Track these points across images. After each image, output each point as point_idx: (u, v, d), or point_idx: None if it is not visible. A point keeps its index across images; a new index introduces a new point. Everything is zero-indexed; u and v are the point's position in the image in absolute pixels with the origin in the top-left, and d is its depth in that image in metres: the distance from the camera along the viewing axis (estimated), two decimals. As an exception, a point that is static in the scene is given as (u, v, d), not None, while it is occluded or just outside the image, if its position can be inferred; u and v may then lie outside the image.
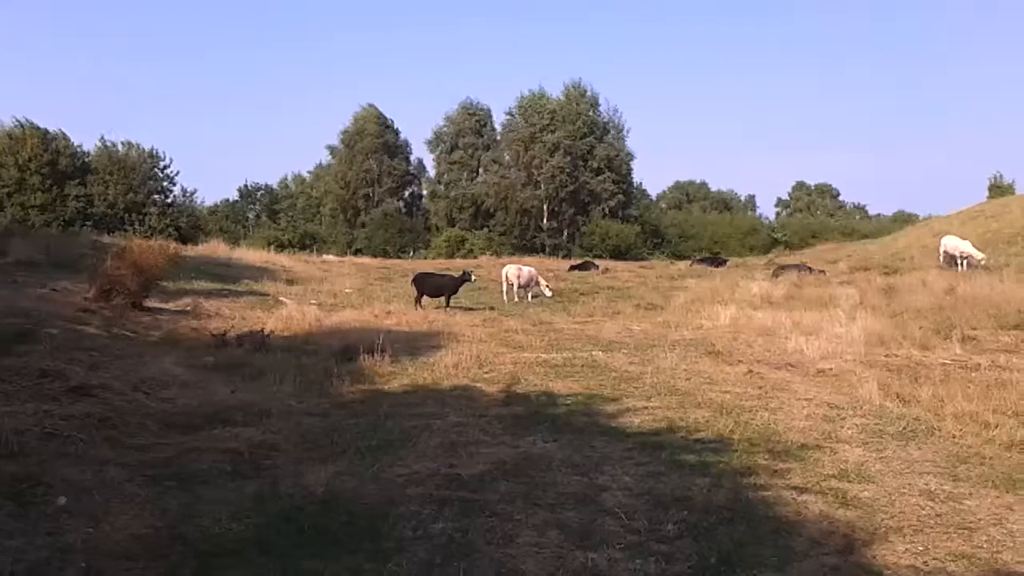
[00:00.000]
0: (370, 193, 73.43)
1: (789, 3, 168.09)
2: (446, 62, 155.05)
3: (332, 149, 76.82)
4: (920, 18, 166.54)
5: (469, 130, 74.24)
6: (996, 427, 8.13)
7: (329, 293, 24.22)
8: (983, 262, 25.01)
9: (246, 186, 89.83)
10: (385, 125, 74.87)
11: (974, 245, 26.12)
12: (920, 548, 5.19)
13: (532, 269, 25.47)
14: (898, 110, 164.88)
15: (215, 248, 33.69)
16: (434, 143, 75.51)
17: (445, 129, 74.97)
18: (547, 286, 25.21)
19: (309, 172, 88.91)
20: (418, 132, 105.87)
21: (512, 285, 23.89)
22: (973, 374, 11.03)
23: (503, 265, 27.84)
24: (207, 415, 8.50)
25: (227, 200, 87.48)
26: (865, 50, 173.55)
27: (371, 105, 75.28)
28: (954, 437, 7.95)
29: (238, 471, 6.70)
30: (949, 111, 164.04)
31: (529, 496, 6.12)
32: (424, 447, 7.45)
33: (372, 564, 4.84)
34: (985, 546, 5.26)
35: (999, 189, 48.57)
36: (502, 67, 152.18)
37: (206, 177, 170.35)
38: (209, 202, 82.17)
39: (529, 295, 24.22)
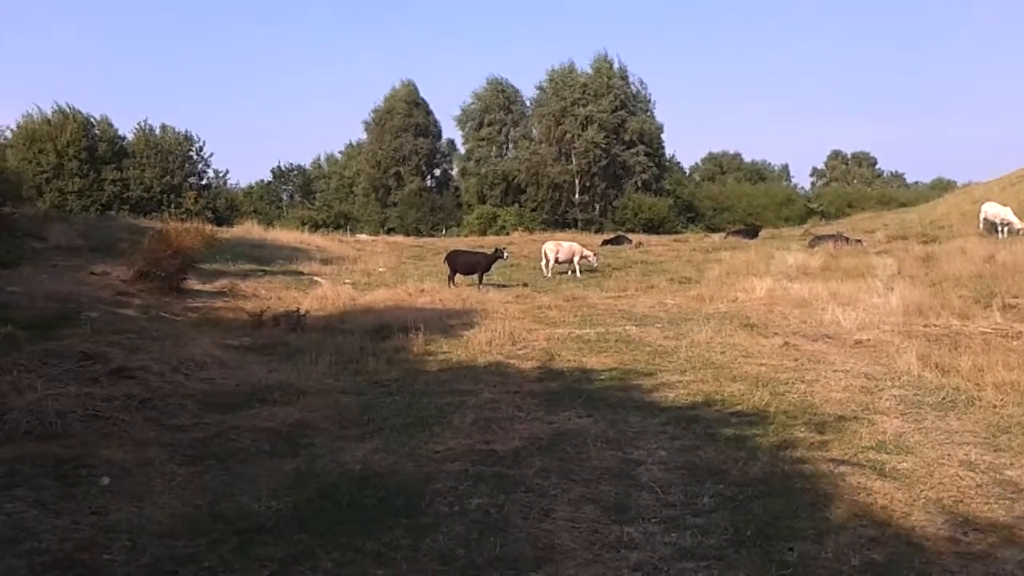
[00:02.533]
0: (400, 171, 73.51)
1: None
2: (474, 40, 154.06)
3: (367, 126, 76.88)
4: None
5: (497, 106, 73.82)
6: (1039, 396, 8.00)
7: (363, 272, 24.37)
8: (1019, 227, 24.44)
9: (279, 167, 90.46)
10: (415, 103, 74.74)
11: (1015, 212, 25.54)
12: (960, 519, 5.13)
13: (574, 244, 25.36)
14: (936, 75, 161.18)
15: (249, 229, 33.96)
16: (463, 120, 75.18)
17: (473, 106, 74.59)
18: (594, 255, 25.15)
19: (341, 152, 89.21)
20: (447, 111, 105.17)
21: (550, 261, 23.84)
22: (1014, 343, 10.85)
23: (540, 242, 27.72)
24: (245, 395, 8.65)
25: (261, 181, 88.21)
26: (900, 16, 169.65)
27: (408, 81, 75.14)
28: (995, 407, 7.82)
29: (276, 450, 6.80)
30: (989, 76, 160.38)
31: (564, 471, 6.14)
32: (459, 424, 7.51)
33: (409, 539, 4.90)
34: (1028, 516, 5.18)
35: (1042, 153, 47.49)
36: (528, 43, 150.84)
37: (240, 159, 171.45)
38: (243, 184, 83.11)
39: (577, 270, 24.07)
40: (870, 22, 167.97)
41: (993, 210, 26.01)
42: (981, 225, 26.16)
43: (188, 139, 61.41)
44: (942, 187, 74.63)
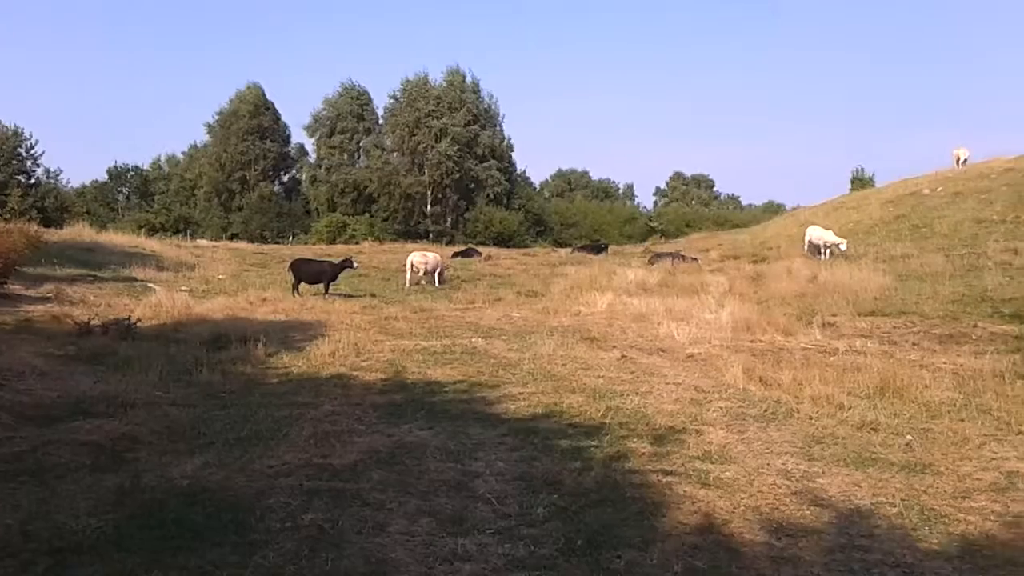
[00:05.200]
0: (246, 176, 71.32)
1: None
2: (325, 45, 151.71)
3: (210, 128, 74.03)
4: (789, 17, 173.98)
5: (350, 113, 72.98)
6: (849, 408, 8.62)
7: (201, 279, 23.48)
8: (843, 247, 26.24)
9: (115, 167, 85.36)
10: (264, 106, 72.77)
11: (836, 235, 27.44)
12: (775, 525, 5.44)
13: (436, 255, 25.44)
14: (772, 104, 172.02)
15: (80, 232, 31.97)
16: (313, 127, 73.90)
17: (325, 112, 73.45)
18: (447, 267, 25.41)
19: (183, 153, 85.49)
20: (297, 116, 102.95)
21: (417, 272, 23.73)
22: (831, 358, 11.63)
23: (391, 253, 27.54)
24: (67, 407, 8.15)
25: (96, 181, 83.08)
26: (741, 42, 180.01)
27: (254, 84, 73.16)
28: (811, 418, 8.36)
29: (98, 464, 6.44)
30: (818, 107, 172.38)
31: (402, 484, 6.10)
32: (296, 437, 7.33)
33: (237, 557, 4.73)
34: (835, 521, 5.56)
35: (860, 182, 51.37)
36: (380, 54, 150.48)
37: (76, 158, 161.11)
38: (77, 184, 78.35)
39: (436, 280, 24.12)
40: (712, 51, 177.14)
41: (817, 233, 27.83)
42: (806, 247, 27.93)
43: (17, 134, 57.34)
44: (773, 210, 79.40)
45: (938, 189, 32.23)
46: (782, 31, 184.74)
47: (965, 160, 38.68)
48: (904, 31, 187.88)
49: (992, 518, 5.67)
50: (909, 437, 7.68)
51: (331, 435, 7.41)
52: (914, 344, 13.05)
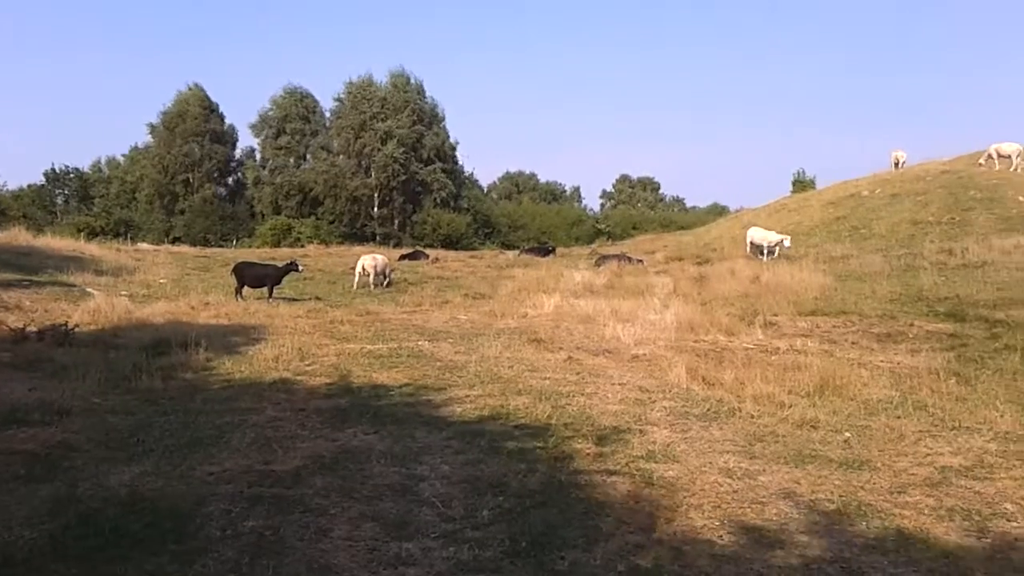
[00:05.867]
0: (190, 178, 70.11)
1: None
2: (270, 47, 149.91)
3: (153, 129, 72.50)
4: (730, 22, 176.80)
5: (296, 115, 72.19)
6: (790, 407, 8.78)
7: (142, 284, 23.04)
8: (787, 244, 26.59)
9: (53, 169, 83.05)
10: (209, 108, 71.60)
11: (778, 233, 27.86)
12: (716, 523, 5.52)
13: (384, 258, 25.31)
14: (716, 107, 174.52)
15: (16, 236, 31.04)
16: (259, 127, 72.91)
17: (271, 113, 72.56)
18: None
19: (124, 155, 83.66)
20: (242, 119, 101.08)
21: (368, 275, 23.56)
22: (772, 357, 11.82)
23: (337, 256, 27.32)
24: (0, 415, 7.90)
25: (33, 184, 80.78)
26: (685, 46, 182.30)
27: (196, 85, 71.94)
28: (752, 417, 8.49)
29: (32, 474, 6.29)
30: (762, 110, 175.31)
31: (345, 489, 6.06)
32: (238, 443, 7.24)
33: (176, 566, 4.66)
34: (774, 519, 5.65)
35: (802, 184, 52.33)
36: (326, 56, 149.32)
37: (9, 161, 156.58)
38: (13, 187, 76.25)
39: (385, 283, 23.99)
40: (657, 55, 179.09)
41: (759, 234, 28.25)
42: (748, 249, 28.33)
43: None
44: (717, 212, 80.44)
45: (876, 191, 33.02)
46: (723, 36, 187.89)
47: (903, 162, 39.69)
48: (844, 36, 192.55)
49: (926, 512, 5.82)
50: (847, 434, 7.85)
51: (274, 441, 7.34)
52: (853, 343, 13.33)
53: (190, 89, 71.53)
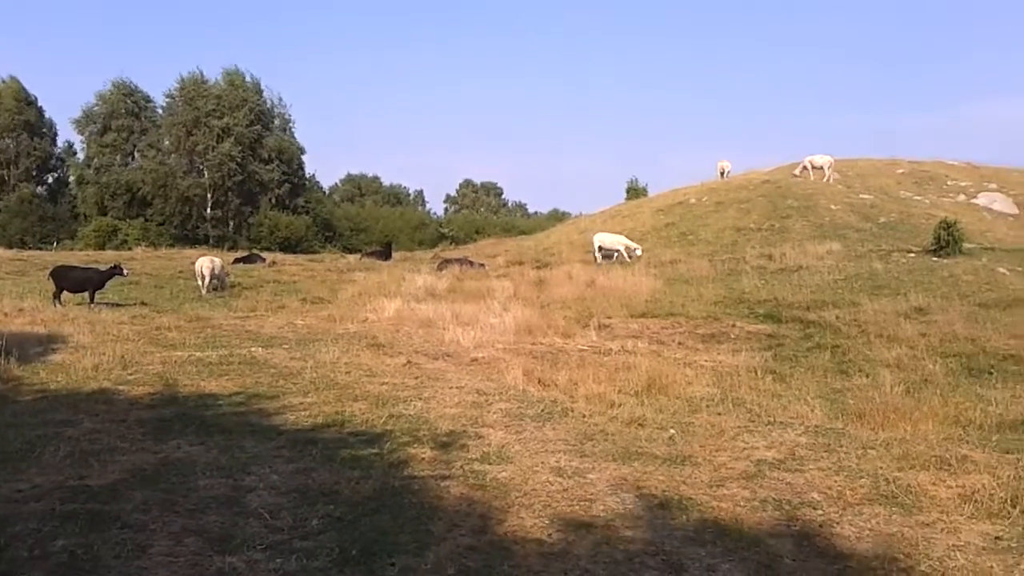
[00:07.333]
0: (5, 176, 65.13)
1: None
2: (96, 40, 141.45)
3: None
4: (565, 35, 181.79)
5: (125, 111, 68.24)
6: (620, 406, 9.12)
7: (-54, 289, 21.13)
8: (639, 252, 27.11)
9: None
10: (26, 101, 66.68)
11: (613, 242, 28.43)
12: (546, 522, 5.63)
13: (219, 260, 24.27)
14: (559, 115, 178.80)
15: None
16: (84, 123, 68.36)
17: (97, 109, 68.28)
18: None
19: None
20: (67, 114, 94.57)
21: (206, 279, 22.48)
22: (605, 358, 12.23)
23: (166, 259, 26.04)
24: None
25: None
26: (527, 54, 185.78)
27: (12, 78, 66.85)
28: (584, 416, 8.74)
29: None
30: (601, 119, 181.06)
31: (167, 503, 5.78)
32: (50, 458, 6.77)
33: (-28, 595, 4.30)
34: (602, 514, 5.83)
35: (635, 191, 54.05)
36: (161, 55, 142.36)
37: None
38: None
39: (220, 288, 22.99)
40: (501, 62, 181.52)
41: (608, 239, 28.42)
42: (597, 254, 28.18)
43: None
44: (558, 217, 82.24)
45: (703, 199, 34.70)
46: (563, 47, 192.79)
47: (728, 172, 41.91)
48: (675, 55, 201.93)
49: (742, 503, 6.16)
50: (672, 431, 8.21)
51: (90, 454, 6.92)
52: (680, 343, 13.98)
53: (4, 82, 66.47)
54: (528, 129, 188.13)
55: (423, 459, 7.08)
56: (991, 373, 11.46)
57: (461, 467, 6.83)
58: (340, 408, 8.91)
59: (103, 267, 20.99)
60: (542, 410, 9.02)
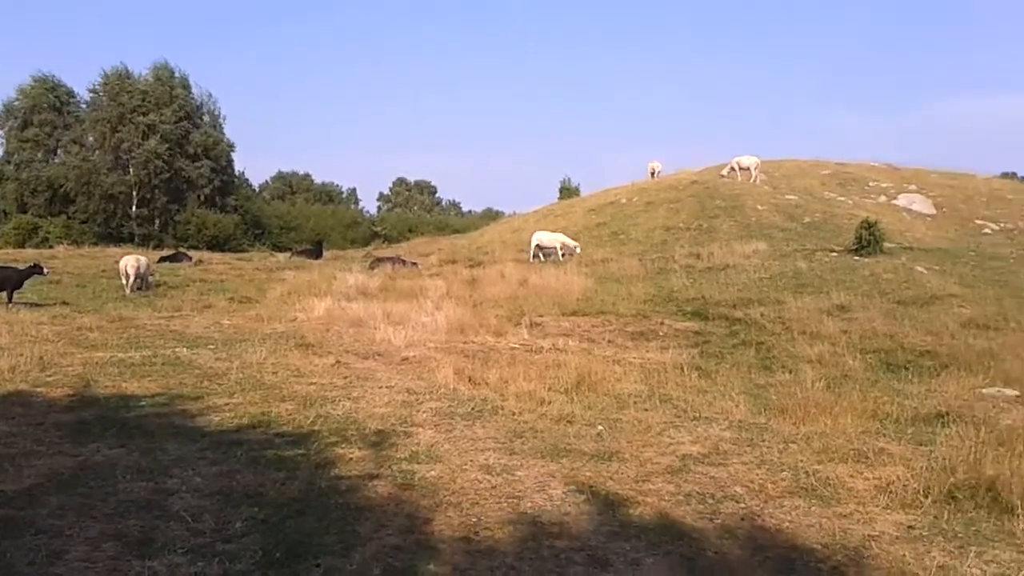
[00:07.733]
0: (-84, 172, 62.47)
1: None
2: (15, 32, 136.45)
3: None
4: (500, 33, 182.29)
5: (47, 106, 65.95)
6: (549, 403, 9.17)
7: None
8: (578, 250, 27.12)
9: None
10: (-64, 92, 63.99)
11: (548, 240, 28.41)
12: (474, 520, 5.64)
13: (145, 259, 23.60)
14: (493, 114, 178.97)
15: None
16: (3, 117, 65.86)
17: (17, 102, 65.83)
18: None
19: None
20: None
21: (130, 279, 21.82)
22: (536, 356, 12.27)
23: (89, 257, 25.27)
24: None
25: None
26: (456, 54, 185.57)
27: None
28: (514, 414, 8.78)
29: None
30: (534, 119, 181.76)
31: (85, 508, 5.64)
32: (-40, 465, 6.52)
33: None
34: (529, 511, 5.87)
35: (568, 191, 54.26)
36: (85, 48, 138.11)
37: None
38: None
39: (147, 286, 22.36)
40: (432, 61, 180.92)
41: (547, 238, 28.30)
42: (533, 252, 27.91)
43: None
44: (491, 216, 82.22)
45: (634, 199, 35.09)
46: (495, 46, 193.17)
47: (658, 172, 42.45)
48: (603, 53, 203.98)
49: (666, 498, 6.26)
50: (600, 427, 8.30)
51: (5, 459, 6.71)
52: (609, 341, 14.11)
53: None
54: (462, 128, 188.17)
55: (351, 459, 7.02)
56: (908, 368, 11.83)
57: (389, 467, 6.79)
58: (266, 409, 8.79)
59: (22, 266, 20.33)
60: (472, 408, 9.03)
